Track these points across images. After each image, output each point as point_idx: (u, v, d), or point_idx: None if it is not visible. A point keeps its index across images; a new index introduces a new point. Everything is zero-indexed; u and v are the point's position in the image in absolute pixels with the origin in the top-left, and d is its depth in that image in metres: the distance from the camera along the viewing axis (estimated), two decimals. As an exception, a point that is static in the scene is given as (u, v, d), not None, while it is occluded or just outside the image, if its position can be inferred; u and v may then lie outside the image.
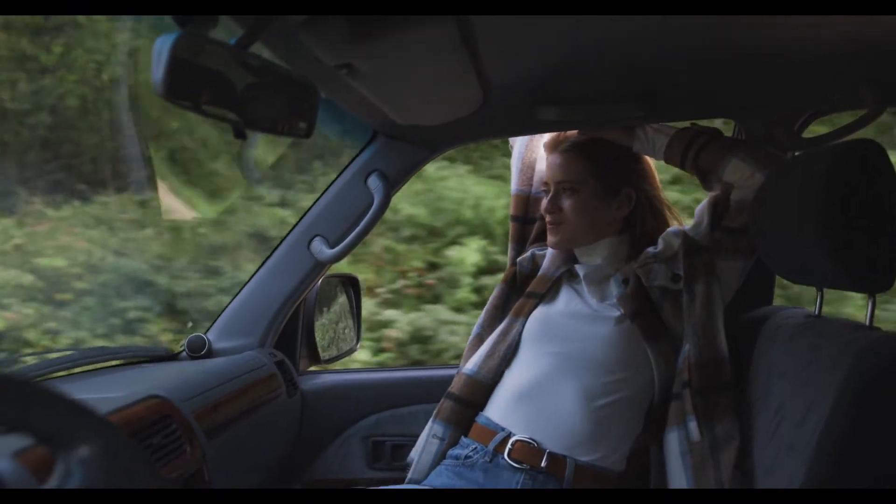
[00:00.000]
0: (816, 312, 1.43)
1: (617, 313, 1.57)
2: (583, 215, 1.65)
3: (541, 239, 1.84)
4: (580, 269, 1.71)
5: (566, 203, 1.66)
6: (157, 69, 0.81)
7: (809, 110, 1.73)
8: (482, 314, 1.84)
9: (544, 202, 1.71)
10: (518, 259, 1.83)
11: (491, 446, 1.57)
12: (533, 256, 1.81)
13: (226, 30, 0.95)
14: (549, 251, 1.79)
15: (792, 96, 1.69)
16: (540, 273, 1.76)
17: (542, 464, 1.50)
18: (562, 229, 1.67)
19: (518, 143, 1.92)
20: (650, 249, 1.65)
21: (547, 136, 1.79)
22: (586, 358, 1.56)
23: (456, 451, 1.63)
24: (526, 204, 1.88)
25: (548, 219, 1.69)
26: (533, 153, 1.89)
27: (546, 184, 1.72)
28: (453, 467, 1.60)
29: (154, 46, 0.82)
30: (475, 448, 1.60)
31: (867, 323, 1.21)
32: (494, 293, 1.85)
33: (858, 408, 1.07)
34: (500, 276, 1.91)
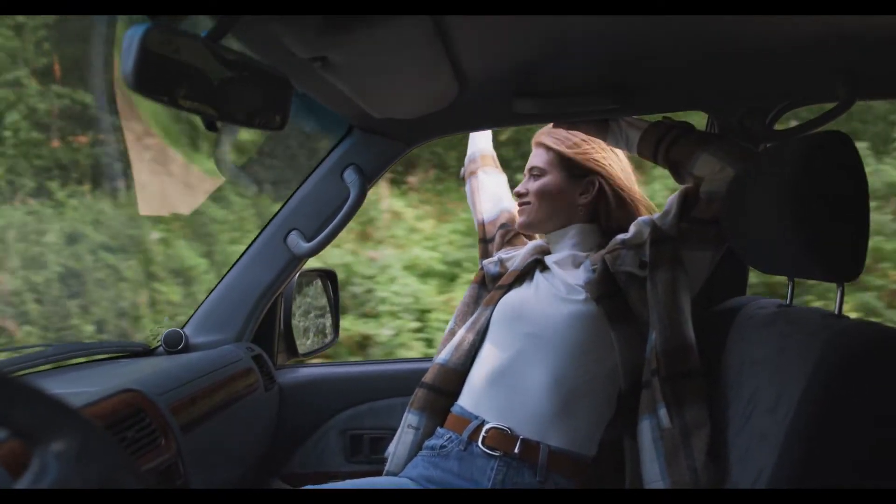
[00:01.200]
0: (788, 302, 1.44)
1: (584, 295, 1.59)
2: (545, 197, 1.76)
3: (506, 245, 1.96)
4: (550, 259, 1.75)
5: (533, 186, 1.78)
6: (126, 60, 0.81)
7: (782, 102, 1.74)
8: (455, 312, 1.90)
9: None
10: (484, 262, 1.91)
11: (465, 434, 1.58)
12: (500, 260, 1.89)
13: (197, 21, 0.95)
14: (519, 252, 1.86)
15: (764, 89, 1.71)
16: (510, 270, 1.80)
17: (516, 450, 1.52)
18: (527, 209, 1.79)
19: (467, 183, 2.10)
20: (620, 236, 1.68)
21: None
22: (553, 339, 1.57)
23: (431, 441, 1.64)
24: (483, 227, 2.02)
25: (517, 202, 1.82)
26: (479, 188, 2.06)
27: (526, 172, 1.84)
28: (429, 457, 1.61)
29: (124, 37, 0.81)
30: (450, 437, 1.61)
31: (836, 312, 1.23)
32: (466, 292, 1.91)
33: (827, 396, 1.08)
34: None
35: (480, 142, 2.09)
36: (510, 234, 1.97)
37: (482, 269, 1.90)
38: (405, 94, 1.55)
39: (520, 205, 1.80)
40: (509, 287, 1.74)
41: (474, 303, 1.86)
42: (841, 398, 1.08)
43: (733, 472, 1.31)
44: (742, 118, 1.76)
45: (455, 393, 1.70)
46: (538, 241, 1.89)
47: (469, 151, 2.10)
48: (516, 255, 1.85)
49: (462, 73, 1.47)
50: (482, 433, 1.56)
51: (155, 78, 0.84)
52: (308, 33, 1.07)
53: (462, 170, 2.13)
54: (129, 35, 0.81)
